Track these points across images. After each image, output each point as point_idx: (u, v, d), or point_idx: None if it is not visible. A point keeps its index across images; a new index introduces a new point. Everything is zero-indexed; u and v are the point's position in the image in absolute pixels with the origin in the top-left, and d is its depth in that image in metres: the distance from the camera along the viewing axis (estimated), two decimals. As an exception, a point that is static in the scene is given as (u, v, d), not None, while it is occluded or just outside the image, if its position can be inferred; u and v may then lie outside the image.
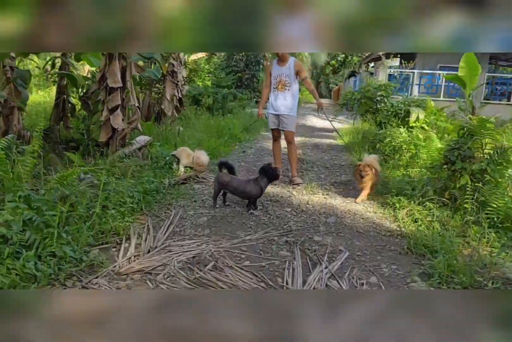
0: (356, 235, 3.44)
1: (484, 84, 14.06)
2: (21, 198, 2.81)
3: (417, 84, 14.69)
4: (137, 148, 6.61)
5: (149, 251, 3.01)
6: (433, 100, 14.44)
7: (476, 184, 3.54)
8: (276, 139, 5.25)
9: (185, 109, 11.48)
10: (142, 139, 6.85)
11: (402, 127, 6.26)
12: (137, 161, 6.21)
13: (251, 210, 3.93)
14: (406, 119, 6.29)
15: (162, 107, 10.05)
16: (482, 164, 3.55)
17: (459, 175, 3.78)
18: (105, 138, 6.13)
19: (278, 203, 4.23)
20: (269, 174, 3.90)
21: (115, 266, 2.76)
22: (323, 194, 4.60)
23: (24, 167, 3.26)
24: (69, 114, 7.07)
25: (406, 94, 14.80)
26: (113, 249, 3.08)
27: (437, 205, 3.78)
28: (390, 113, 6.52)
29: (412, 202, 3.88)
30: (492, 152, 3.67)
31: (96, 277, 2.59)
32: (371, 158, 4.70)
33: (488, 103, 14.01)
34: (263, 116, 5.20)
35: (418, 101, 6.92)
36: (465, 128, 3.95)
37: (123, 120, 6.22)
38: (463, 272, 2.59)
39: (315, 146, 8.39)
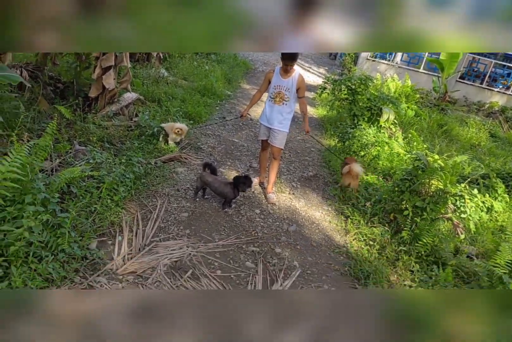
0: (310, 249, 4.19)
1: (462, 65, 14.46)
2: (38, 200, 3.27)
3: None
4: (124, 105, 6.88)
5: (139, 250, 3.65)
6: (413, 70, 14.84)
7: (415, 218, 4.30)
8: (264, 149, 5.12)
9: (170, 47, 11.34)
10: (129, 96, 7.06)
11: (372, 125, 6.83)
12: (123, 120, 6.55)
13: (226, 209, 4.54)
14: (378, 118, 6.83)
15: (149, 46, 9.96)
16: (424, 203, 4.29)
17: (404, 204, 4.52)
18: (95, 94, 6.39)
19: (249, 201, 4.85)
20: (242, 184, 4.37)
21: (112, 265, 3.39)
22: (289, 193, 5.26)
23: (35, 160, 3.63)
24: (57, 50, 7.06)
25: (389, 59, 15.07)
26: (109, 242, 3.68)
27: (381, 224, 4.57)
28: (365, 106, 7.01)
29: (362, 219, 4.66)
30: (435, 192, 4.39)
31: (98, 276, 3.23)
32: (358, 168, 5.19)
33: (463, 82, 14.61)
34: (247, 116, 5.04)
35: (392, 98, 7.39)
36: (420, 163, 4.60)
37: (114, 79, 6.42)
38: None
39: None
